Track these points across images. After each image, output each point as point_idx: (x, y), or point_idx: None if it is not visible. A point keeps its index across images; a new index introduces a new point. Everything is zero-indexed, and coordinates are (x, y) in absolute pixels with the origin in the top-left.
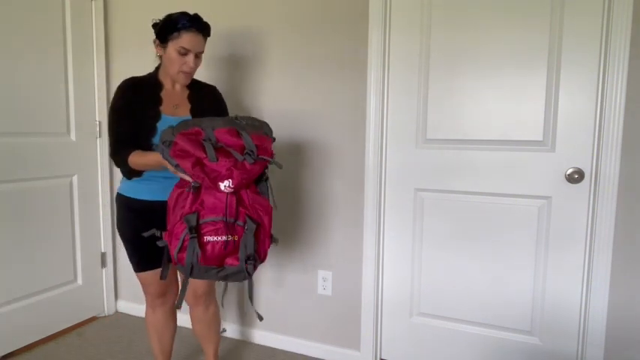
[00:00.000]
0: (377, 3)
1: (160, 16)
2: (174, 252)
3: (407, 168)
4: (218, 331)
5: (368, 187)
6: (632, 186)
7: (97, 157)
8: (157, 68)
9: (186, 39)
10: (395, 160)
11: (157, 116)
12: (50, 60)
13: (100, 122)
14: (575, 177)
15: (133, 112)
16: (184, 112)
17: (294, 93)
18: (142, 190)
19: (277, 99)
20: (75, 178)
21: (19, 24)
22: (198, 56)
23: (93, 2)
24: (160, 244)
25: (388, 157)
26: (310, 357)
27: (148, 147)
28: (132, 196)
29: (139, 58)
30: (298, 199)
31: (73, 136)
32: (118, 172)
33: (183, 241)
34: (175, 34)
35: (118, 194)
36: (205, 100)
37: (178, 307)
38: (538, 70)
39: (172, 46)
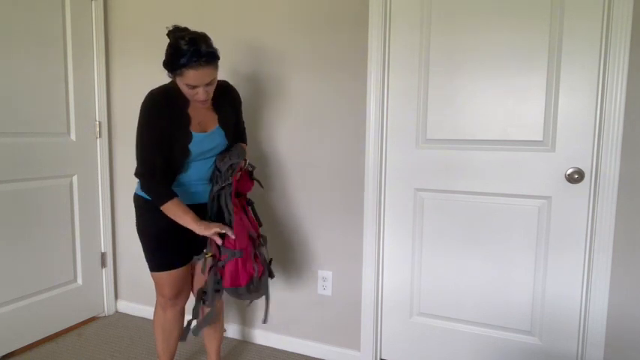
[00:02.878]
0: (377, 3)
1: (160, 16)
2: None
3: (407, 168)
4: (222, 328)
5: (368, 187)
6: (632, 186)
7: (97, 157)
8: None
9: (189, 76)
10: (395, 160)
11: (189, 138)
12: (50, 60)
13: (99, 122)
14: (575, 177)
15: (168, 137)
16: (212, 125)
17: (294, 93)
18: None
19: (277, 99)
20: (75, 178)
21: (19, 24)
22: (209, 84)
23: (93, 2)
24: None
25: (388, 157)
26: (310, 357)
27: (180, 169)
28: None
29: (139, 57)
30: (298, 198)
31: (73, 136)
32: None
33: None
34: (178, 71)
35: (140, 196)
36: (226, 103)
37: (196, 333)
38: (538, 70)
39: (179, 81)
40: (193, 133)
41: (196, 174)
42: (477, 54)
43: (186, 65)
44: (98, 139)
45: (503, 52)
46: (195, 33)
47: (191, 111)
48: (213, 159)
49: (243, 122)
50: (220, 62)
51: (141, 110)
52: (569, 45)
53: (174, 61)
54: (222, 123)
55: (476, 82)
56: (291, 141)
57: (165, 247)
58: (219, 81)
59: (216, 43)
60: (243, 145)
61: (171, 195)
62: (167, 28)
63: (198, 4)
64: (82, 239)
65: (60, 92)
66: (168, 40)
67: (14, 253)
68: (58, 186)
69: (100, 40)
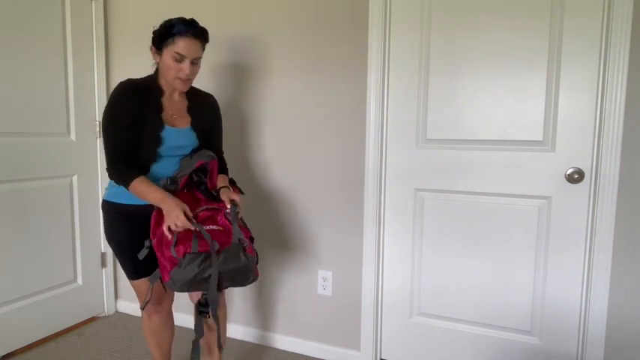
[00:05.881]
0: (377, 3)
1: (159, 16)
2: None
3: (407, 168)
4: (225, 318)
5: (368, 187)
6: (632, 186)
7: (97, 157)
8: (157, 72)
9: (180, 44)
10: (395, 160)
11: (161, 126)
12: (50, 60)
13: (99, 122)
14: (575, 177)
15: (135, 121)
16: (184, 124)
17: (294, 94)
18: (133, 196)
19: (277, 100)
20: (75, 178)
21: (19, 24)
22: (194, 62)
23: (93, 2)
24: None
25: (388, 157)
26: (310, 357)
27: (152, 157)
28: (123, 202)
29: (139, 57)
30: (298, 198)
31: (73, 136)
32: None
33: None
34: (170, 39)
35: (107, 202)
36: (205, 110)
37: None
38: (538, 70)
39: (167, 53)
40: (165, 124)
41: (161, 172)
42: (477, 54)
43: (180, 33)
44: (98, 139)
45: (503, 52)
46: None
47: (165, 101)
48: (179, 159)
49: (221, 136)
50: (219, 61)
51: (110, 99)
52: (569, 45)
53: (167, 30)
54: (195, 125)
55: (476, 82)
56: (291, 141)
57: (138, 252)
58: (206, 93)
59: (215, 42)
60: (210, 152)
61: (137, 173)
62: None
63: (198, 3)
64: (82, 239)
65: (60, 92)
66: None
67: (14, 253)
68: (58, 186)
69: (100, 40)
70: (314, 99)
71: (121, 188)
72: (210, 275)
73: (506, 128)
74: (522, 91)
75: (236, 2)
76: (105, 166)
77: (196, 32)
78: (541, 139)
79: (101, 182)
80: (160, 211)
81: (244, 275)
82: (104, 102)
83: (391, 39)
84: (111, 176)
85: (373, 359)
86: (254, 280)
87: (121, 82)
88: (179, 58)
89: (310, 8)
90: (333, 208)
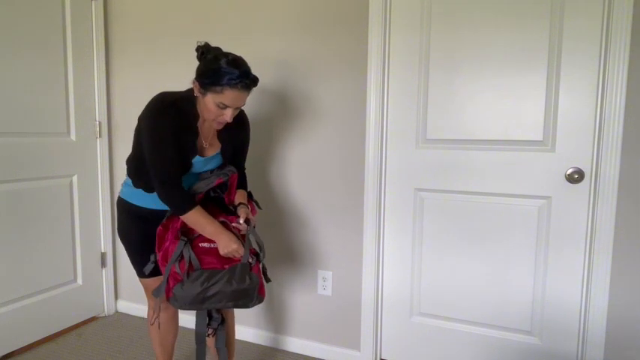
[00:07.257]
0: (377, 3)
1: (160, 16)
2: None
3: (407, 168)
4: (233, 333)
5: (368, 187)
6: (632, 186)
7: (97, 157)
8: (193, 92)
9: (228, 96)
10: (395, 160)
11: (194, 152)
12: (50, 60)
13: (99, 122)
14: (575, 177)
15: (177, 142)
16: (213, 152)
17: (293, 93)
18: (148, 200)
19: (276, 100)
20: (75, 178)
21: (19, 24)
22: (237, 107)
23: (93, 2)
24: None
25: (388, 157)
26: (310, 357)
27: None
28: (137, 204)
29: (139, 57)
30: (298, 198)
31: (73, 136)
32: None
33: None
34: (217, 88)
35: (121, 199)
36: (235, 134)
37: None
38: (538, 70)
39: (211, 98)
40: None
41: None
42: (477, 54)
43: (229, 84)
44: (98, 139)
45: (503, 52)
46: (235, 55)
47: (199, 126)
48: (197, 175)
49: (246, 152)
50: None
51: (150, 114)
52: (569, 45)
53: (216, 77)
54: (223, 152)
55: (476, 82)
56: (291, 141)
57: (149, 252)
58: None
59: (215, 43)
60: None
61: (193, 203)
62: (198, 43)
63: (198, 3)
64: (82, 239)
65: (60, 92)
66: (168, 40)
67: (14, 253)
68: (58, 186)
69: (100, 40)
70: (313, 99)
71: (136, 190)
72: (215, 293)
73: (506, 128)
74: (522, 91)
75: (235, 2)
76: (106, 166)
77: (247, 84)
78: (541, 139)
79: (101, 182)
80: (165, 226)
81: (248, 297)
82: (104, 102)
83: (391, 39)
84: (163, 200)
85: (373, 359)
86: (259, 301)
87: (159, 101)
88: (223, 107)
89: (308, 8)
90: (333, 208)
